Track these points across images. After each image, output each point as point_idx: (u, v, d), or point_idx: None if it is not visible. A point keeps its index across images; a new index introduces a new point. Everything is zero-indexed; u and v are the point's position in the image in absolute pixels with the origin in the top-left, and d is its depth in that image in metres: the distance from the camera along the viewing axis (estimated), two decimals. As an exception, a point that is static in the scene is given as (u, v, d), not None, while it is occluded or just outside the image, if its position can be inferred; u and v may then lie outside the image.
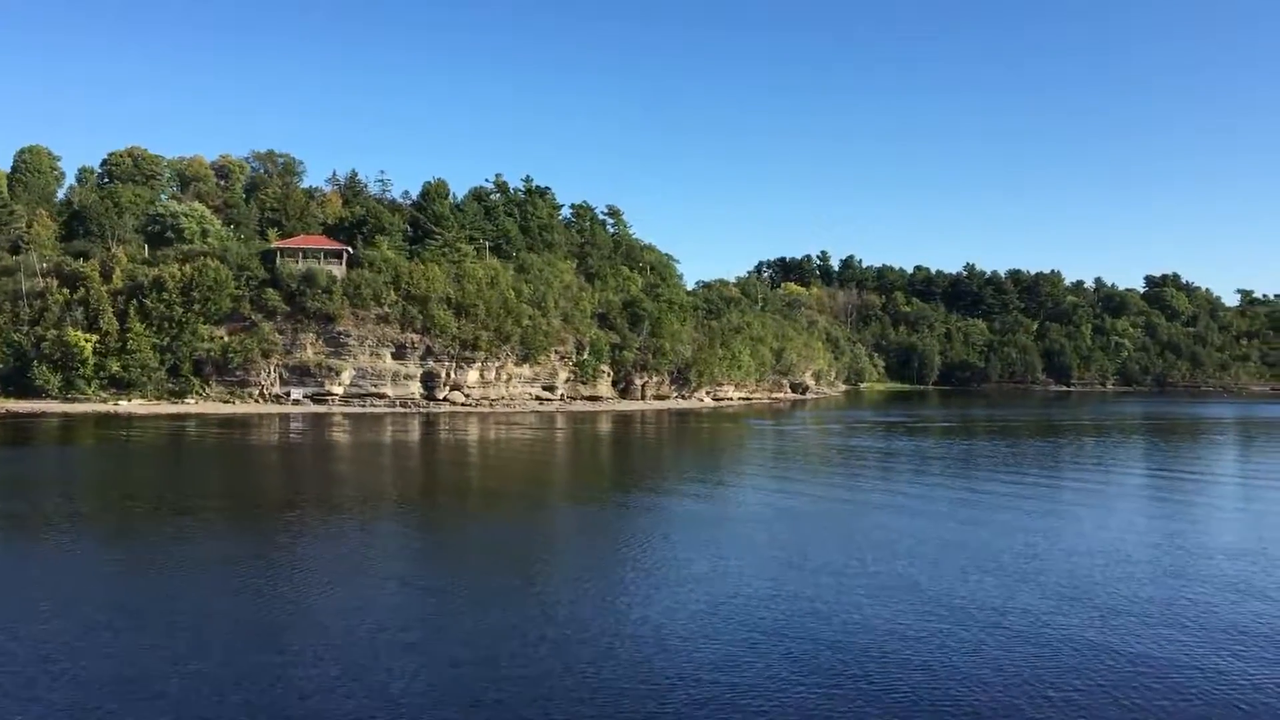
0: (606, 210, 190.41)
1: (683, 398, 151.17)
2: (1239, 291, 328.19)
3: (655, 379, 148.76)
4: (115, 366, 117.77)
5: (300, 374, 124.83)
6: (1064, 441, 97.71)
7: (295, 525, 43.93)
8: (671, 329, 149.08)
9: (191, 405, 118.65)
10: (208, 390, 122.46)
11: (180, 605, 29.49)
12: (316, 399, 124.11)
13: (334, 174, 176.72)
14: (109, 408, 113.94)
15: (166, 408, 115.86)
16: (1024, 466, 73.24)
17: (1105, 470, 71.82)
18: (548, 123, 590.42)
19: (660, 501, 53.01)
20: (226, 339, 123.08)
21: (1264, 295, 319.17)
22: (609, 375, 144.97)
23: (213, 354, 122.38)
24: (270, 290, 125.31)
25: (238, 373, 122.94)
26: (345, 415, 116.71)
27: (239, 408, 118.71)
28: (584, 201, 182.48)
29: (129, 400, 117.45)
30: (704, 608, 29.65)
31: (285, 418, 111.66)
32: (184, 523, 43.74)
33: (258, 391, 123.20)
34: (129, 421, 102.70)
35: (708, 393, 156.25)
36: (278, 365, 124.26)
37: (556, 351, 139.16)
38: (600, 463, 79.05)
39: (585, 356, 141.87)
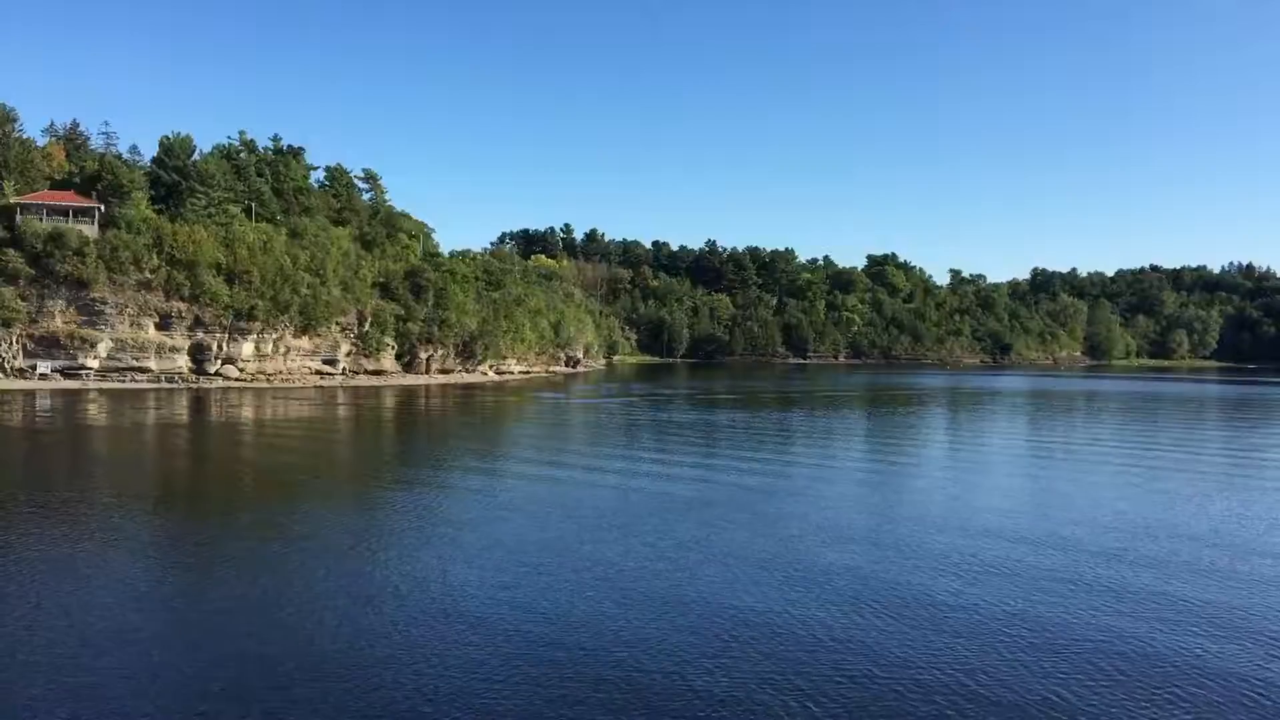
0: (363, 174, 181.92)
1: (467, 371, 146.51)
2: (950, 271, 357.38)
3: (440, 352, 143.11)
4: None
5: (48, 345, 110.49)
6: (808, 412, 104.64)
7: (24, 524, 36.15)
8: (457, 300, 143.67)
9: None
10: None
11: None
12: (68, 373, 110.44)
13: (52, 124, 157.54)
14: None
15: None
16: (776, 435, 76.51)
17: (834, 439, 76.88)
18: (276, 81, 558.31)
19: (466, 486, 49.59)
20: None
21: (970, 274, 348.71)
22: (393, 348, 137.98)
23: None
24: (10, 251, 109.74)
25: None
26: (102, 392, 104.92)
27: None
28: (338, 164, 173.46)
29: None
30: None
31: (31, 395, 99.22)
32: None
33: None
34: None
35: (491, 366, 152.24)
36: (21, 335, 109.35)
37: (338, 323, 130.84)
38: (386, 444, 72.84)
39: (368, 328, 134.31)
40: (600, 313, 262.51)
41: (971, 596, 28.39)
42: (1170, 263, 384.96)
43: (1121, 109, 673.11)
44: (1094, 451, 68.15)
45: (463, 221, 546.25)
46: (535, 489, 46.88)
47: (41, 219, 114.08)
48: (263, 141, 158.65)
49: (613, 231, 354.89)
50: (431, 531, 36.19)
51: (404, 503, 42.70)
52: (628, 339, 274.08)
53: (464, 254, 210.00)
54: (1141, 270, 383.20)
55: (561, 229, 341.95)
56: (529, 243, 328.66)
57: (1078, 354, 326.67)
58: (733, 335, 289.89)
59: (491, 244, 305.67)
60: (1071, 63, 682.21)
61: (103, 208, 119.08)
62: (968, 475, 55.15)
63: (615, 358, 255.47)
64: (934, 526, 38.66)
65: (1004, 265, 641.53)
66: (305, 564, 30.90)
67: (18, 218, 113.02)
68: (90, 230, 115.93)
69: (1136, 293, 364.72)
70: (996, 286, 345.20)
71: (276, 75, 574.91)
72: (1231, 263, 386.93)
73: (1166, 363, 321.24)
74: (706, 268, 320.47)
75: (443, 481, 49.59)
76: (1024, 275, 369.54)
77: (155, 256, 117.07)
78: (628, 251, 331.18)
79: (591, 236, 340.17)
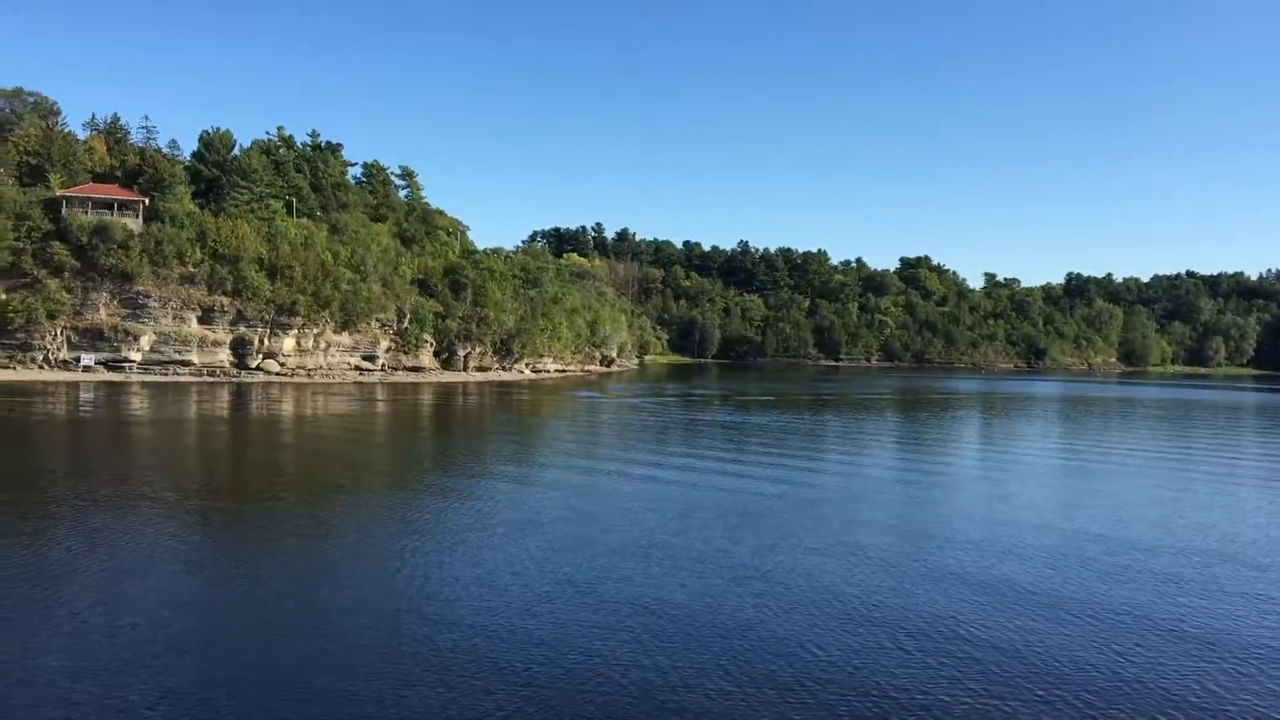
0: (400, 171, 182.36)
1: (504, 369, 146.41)
2: (984, 274, 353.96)
3: (479, 350, 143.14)
4: None
5: (92, 338, 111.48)
6: (849, 416, 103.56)
7: (58, 518, 35.58)
8: (495, 298, 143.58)
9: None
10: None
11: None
12: (111, 366, 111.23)
13: (93, 117, 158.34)
14: None
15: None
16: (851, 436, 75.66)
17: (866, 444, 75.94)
18: (304, 79, 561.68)
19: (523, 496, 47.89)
20: (5, 297, 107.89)
21: (1004, 278, 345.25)
22: (431, 345, 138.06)
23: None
24: (56, 243, 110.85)
25: (18, 335, 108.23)
26: (144, 385, 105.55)
27: (20, 374, 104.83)
28: (376, 161, 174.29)
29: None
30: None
31: (74, 386, 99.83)
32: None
33: (42, 357, 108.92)
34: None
35: (528, 364, 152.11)
36: (66, 328, 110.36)
37: (378, 319, 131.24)
38: (434, 440, 71.51)
39: (407, 325, 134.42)
40: (632, 312, 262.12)
41: (1094, 595, 28.55)
42: (1207, 269, 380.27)
43: (1158, 112, 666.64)
44: (1154, 458, 66.50)
45: (494, 220, 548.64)
46: (589, 489, 46.38)
47: (86, 212, 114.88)
48: (300, 138, 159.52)
49: (644, 231, 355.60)
50: (493, 532, 35.49)
51: (461, 501, 42.11)
52: (659, 339, 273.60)
53: (497, 251, 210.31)
54: (1178, 276, 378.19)
55: (593, 228, 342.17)
56: (561, 241, 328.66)
57: (1113, 360, 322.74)
58: (764, 336, 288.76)
59: (523, 242, 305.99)
60: (1109, 66, 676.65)
61: (148, 201, 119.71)
62: (1031, 480, 53.98)
63: (647, 357, 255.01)
64: (1030, 529, 38.75)
65: (1038, 269, 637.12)
66: (377, 564, 30.49)
67: (63, 210, 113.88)
68: (134, 223, 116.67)
69: (1173, 299, 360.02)
70: (1031, 291, 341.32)
71: (304, 74, 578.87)
72: (1270, 269, 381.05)
73: (1203, 370, 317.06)
74: (738, 268, 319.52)
75: (495, 478, 49.22)
76: (1058, 280, 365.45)
77: (198, 250, 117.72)
78: (659, 251, 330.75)
79: (623, 236, 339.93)
